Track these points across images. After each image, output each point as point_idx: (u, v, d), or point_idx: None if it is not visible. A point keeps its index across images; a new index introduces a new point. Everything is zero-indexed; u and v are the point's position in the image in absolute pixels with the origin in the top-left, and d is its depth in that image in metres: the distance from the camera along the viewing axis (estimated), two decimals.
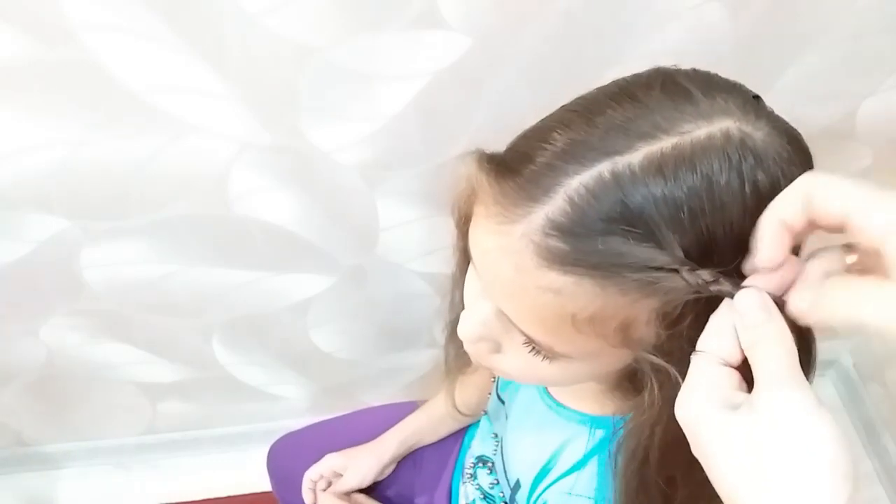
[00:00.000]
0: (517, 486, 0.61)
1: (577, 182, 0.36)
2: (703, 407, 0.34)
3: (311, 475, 0.84)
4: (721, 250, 0.36)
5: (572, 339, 0.40)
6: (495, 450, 0.71)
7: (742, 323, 0.34)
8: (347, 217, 0.85)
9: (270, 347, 1.07)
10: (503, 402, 0.69)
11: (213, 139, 0.72)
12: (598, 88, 0.40)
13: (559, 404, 0.58)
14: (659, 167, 0.35)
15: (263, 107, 0.70)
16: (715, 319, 0.36)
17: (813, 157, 0.40)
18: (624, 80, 0.40)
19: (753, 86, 0.40)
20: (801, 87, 0.79)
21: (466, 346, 0.47)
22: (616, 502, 0.50)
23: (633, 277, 0.35)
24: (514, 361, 0.45)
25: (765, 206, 0.35)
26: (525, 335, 0.42)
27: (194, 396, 1.16)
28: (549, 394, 0.60)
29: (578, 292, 0.37)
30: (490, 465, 0.73)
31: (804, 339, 0.37)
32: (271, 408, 1.21)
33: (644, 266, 0.35)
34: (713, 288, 0.35)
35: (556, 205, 0.36)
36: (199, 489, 1.24)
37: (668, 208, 0.35)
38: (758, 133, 0.36)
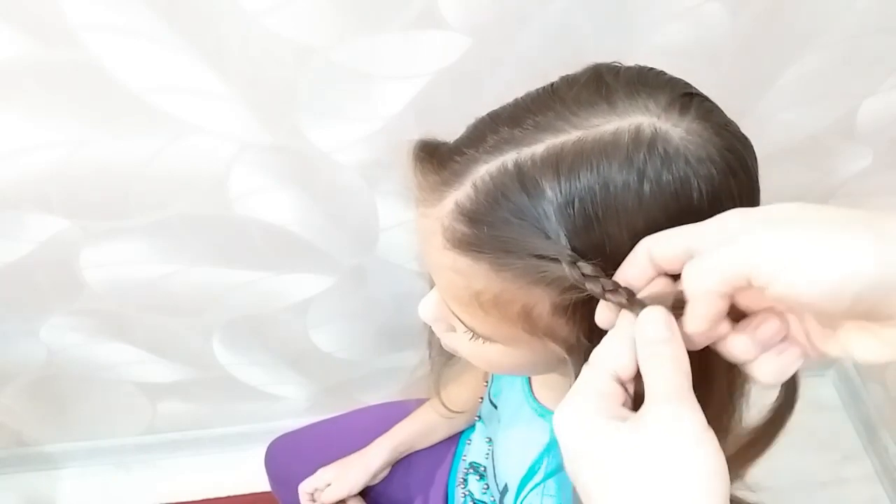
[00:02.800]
0: (505, 489, 0.61)
1: (484, 170, 0.37)
2: (590, 416, 0.33)
3: (307, 488, 0.83)
4: (616, 248, 0.35)
5: (486, 321, 0.41)
6: (487, 454, 0.71)
7: (642, 337, 0.33)
8: (347, 217, 0.85)
9: (270, 347, 1.07)
10: (496, 407, 0.69)
11: (213, 139, 0.72)
12: (542, 86, 0.41)
13: (542, 407, 0.58)
14: (556, 160, 0.35)
15: (263, 107, 0.70)
16: (614, 332, 0.35)
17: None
18: (561, 77, 0.41)
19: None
20: (801, 87, 0.79)
21: (433, 327, 0.50)
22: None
23: (519, 264, 0.36)
24: (462, 342, 0.46)
25: (668, 206, 0.35)
26: (453, 314, 0.43)
27: (194, 396, 1.16)
28: (533, 397, 0.60)
29: (477, 274, 0.38)
30: (482, 469, 0.73)
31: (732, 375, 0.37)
32: (271, 408, 1.21)
33: (529, 254, 0.36)
34: (589, 285, 0.34)
35: (464, 191, 0.38)
36: (199, 489, 1.24)
37: (559, 200, 0.35)
38: (675, 130, 0.35)
